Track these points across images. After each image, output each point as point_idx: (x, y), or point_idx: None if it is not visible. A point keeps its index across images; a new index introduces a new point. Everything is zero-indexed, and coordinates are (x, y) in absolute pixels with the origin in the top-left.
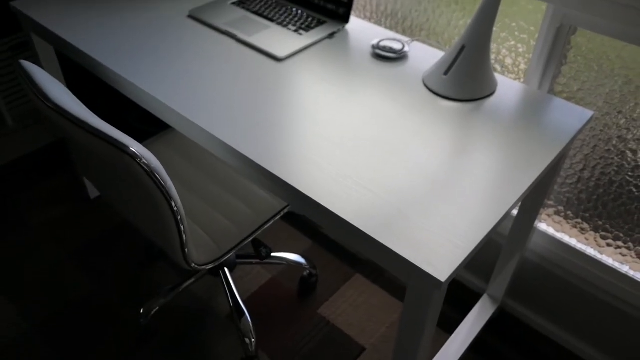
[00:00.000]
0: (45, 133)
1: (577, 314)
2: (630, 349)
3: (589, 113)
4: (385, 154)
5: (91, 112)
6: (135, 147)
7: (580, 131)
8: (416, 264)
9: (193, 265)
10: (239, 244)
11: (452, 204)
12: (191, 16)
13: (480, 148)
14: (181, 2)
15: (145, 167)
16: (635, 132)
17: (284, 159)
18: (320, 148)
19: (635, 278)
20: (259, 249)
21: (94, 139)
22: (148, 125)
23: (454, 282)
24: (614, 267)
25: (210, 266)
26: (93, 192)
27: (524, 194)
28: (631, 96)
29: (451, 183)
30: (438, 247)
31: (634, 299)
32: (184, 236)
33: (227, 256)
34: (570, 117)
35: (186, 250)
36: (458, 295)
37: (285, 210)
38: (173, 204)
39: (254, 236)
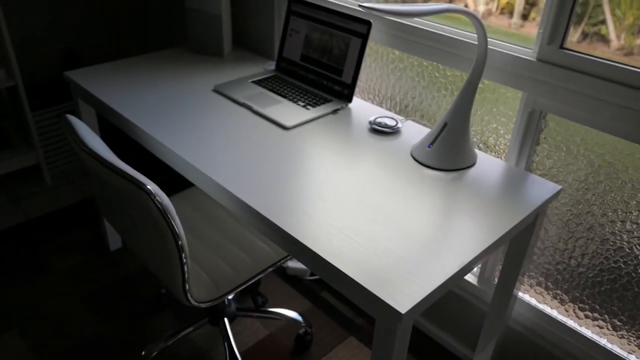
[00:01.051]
0: (76, 192)
1: None
2: None
3: (557, 187)
4: (371, 211)
5: (118, 159)
6: (151, 186)
7: (547, 202)
8: (380, 297)
9: (192, 301)
10: (236, 287)
11: (421, 252)
12: (215, 90)
13: (454, 209)
14: (208, 79)
15: (158, 204)
16: (602, 207)
17: (284, 211)
18: (316, 203)
19: (613, 351)
20: (255, 298)
21: (118, 177)
22: (168, 188)
23: (441, 348)
24: (592, 339)
25: (208, 304)
26: (114, 244)
27: (486, 249)
28: (595, 175)
29: (423, 236)
30: (403, 287)
31: None
32: (186, 273)
33: (225, 297)
34: (539, 190)
35: (187, 286)
36: None
37: (282, 262)
38: (179, 241)
39: (250, 282)
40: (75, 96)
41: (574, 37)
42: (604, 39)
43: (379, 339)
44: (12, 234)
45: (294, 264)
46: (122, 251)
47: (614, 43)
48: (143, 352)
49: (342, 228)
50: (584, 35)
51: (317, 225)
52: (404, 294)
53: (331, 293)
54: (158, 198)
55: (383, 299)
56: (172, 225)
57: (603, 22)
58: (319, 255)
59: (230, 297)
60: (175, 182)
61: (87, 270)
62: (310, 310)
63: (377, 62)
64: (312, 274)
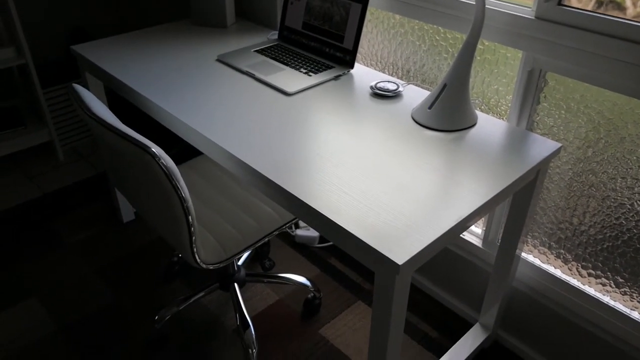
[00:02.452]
0: (89, 167)
1: (563, 344)
2: None
3: (557, 145)
4: (371, 171)
5: (123, 124)
6: (155, 148)
7: (548, 159)
8: (379, 249)
9: (200, 263)
10: (243, 249)
11: (420, 208)
12: (219, 60)
13: (454, 168)
14: (212, 49)
15: (163, 166)
16: (603, 164)
17: (287, 172)
18: (318, 165)
19: (615, 308)
20: (263, 261)
21: (123, 141)
22: (177, 161)
23: (447, 310)
24: (596, 297)
25: (216, 266)
26: (126, 216)
27: (484, 204)
28: (595, 132)
29: (422, 193)
30: (401, 240)
31: (616, 329)
32: (193, 235)
33: (232, 259)
34: (540, 148)
35: (194, 248)
36: (451, 324)
37: (286, 226)
38: (184, 203)
39: (257, 244)
40: (83, 70)
41: (588, 5)
42: (620, 7)
43: (378, 292)
44: (28, 208)
45: (302, 232)
46: (135, 223)
47: (630, 10)
48: (156, 317)
49: (343, 187)
50: (599, 4)
51: (319, 185)
52: (401, 247)
53: (339, 259)
54: (162, 160)
55: (381, 251)
56: (178, 188)
57: None
58: (320, 213)
59: (240, 262)
60: (185, 155)
61: (101, 242)
62: (319, 276)
63: (378, 27)
64: (320, 242)
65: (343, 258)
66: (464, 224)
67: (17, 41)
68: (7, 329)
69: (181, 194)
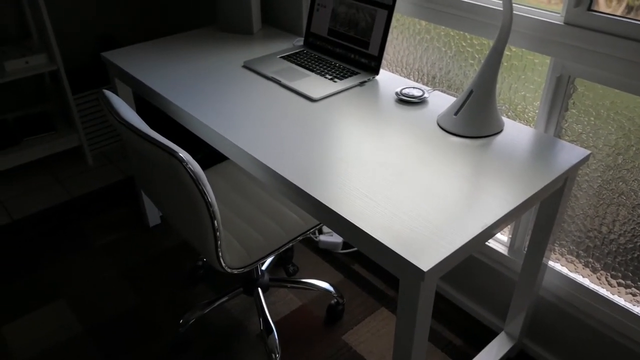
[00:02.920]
0: (117, 172)
1: (591, 355)
2: None
3: (586, 152)
4: (396, 177)
5: (151, 129)
6: (182, 153)
7: (576, 166)
8: (404, 256)
9: (225, 267)
10: (267, 254)
11: (445, 215)
12: (245, 66)
13: (480, 174)
14: (238, 56)
15: (190, 171)
16: (633, 172)
17: (313, 178)
18: (344, 170)
19: None
20: (287, 267)
21: (151, 146)
22: (204, 166)
23: (472, 319)
24: (626, 307)
25: (241, 270)
26: (152, 221)
27: (511, 212)
28: (626, 139)
29: (448, 199)
30: (426, 247)
31: None
32: (218, 239)
33: (257, 264)
34: (568, 155)
35: (219, 252)
36: (476, 332)
37: (311, 231)
38: (210, 207)
39: (281, 250)
40: (112, 76)
41: (618, 10)
42: None
43: (403, 299)
44: (57, 212)
45: (325, 238)
46: (161, 227)
47: None
48: (181, 320)
49: (368, 193)
50: (629, 9)
51: (344, 191)
52: (427, 253)
53: (362, 266)
54: (190, 165)
55: (407, 258)
56: (204, 192)
57: None
58: (345, 219)
59: (263, 267)
60: (210, 160)
61: (127, 245)
62: (342, 282)
63: (403, 34)
64: (343, 247)
65: (367, 264)
66: (489, 232)
67: (49, 47)
68: (35, 330)
69: (207, 198)
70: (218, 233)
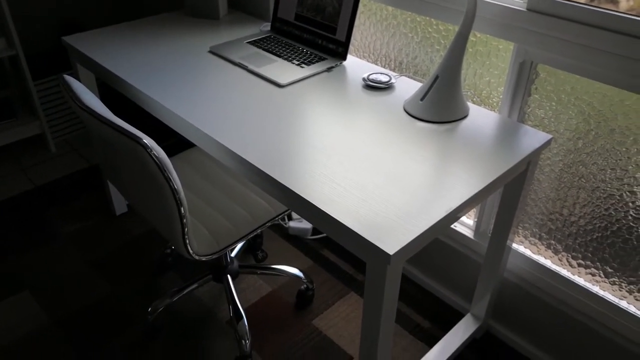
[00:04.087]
0: (81, 160)
1: (553, 333)
2: None
3: (548, 136)
4: (363, 162)
5: (114, 115)
6: (147, 140)
7: (538, 150)
8: (370, 240)
9: (193, 254)
10: (236, 241)
11: (411, 199)
12: (211, 51)
13: (445, 159)
14: (204, 41)
15: (154, 157)
16: (592, 155)
17: (280, 164)
18: (310, 156)
19: (605, 297)
20: (255, 253)
21: (115, 132)
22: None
23: (439, 301)
24: (585, 287)
25: (209, 257)
26: (119, 209)
27: (475, 195)
28: (585, 123)
29: (414, 184)
30: (392, 231)
31: (605, 318)
32: (185, 226)
33: (225, 250)
34: (531, 139)
35: (187, 239)
36: (443, 314)
37: (279, 217)
38: (176, 194)
39: (249, 236)
40: (74, 61)
41: None
42: (613, 1)
43: (370, 282)
44: (20, 201)
45: (295, 224)
46: (127, 215)
47: (623, 4)
48: (149, 309)
49: (335, 178)
50: None
51: (311, 177)
52: (392, 237)
53: (332, 251)
54: (154, 152)
55: (373, 242)
56: (169, 179)
57: None
58: (312, 204)
59: (233, 254)
60: (178, 147)
61: (94, 234)
62: (312, 267)
63: (370, 19)
64: (313, 233)
65: (336, 249)
66: (454, 215)
67: (7, 31)
68: (1, 319)
69: (173, 185)
70: (185, 220)
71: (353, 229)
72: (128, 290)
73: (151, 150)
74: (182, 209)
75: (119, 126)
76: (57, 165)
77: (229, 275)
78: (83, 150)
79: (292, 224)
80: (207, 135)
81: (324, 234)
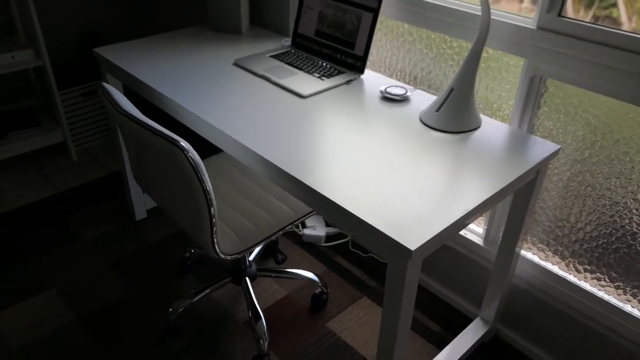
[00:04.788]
0: (101, 168)
1: (560, 337)
2: None
3: (556, 146)
4: (383, 167)
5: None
6: (184, 142)
7: (547, 159)
8: (392, 237)
9: (220, 253)
10: (259, 242)
11: (429, 202)
12: (236, 64)
13: (459, 166)
14: (228, 54)
15: (191, 160)
16: (598, 165)
17: (304, 167)
18: (333, 161)
19: (610, 301)
20: (276, 255)
21: (154, 135)
22: None
23: (449, 307)
24: (591, 292)
25: (234, 257)
26: (139, 215)
27: (489, 199)
28: (592, 134)
29: (431, 187)
30: (412, 229)
31: (610, 322)
32: (214, 226)
33: (249, 250)
34: (540, 149)
35: (215, 239)
36: (453, 320)
37: (299, 220)
38: (208, 195)
39: (271, 238)
40: (104, 71)
41: (586, 17)
42: (616, 22)
43: (390, 279)
44: (43, 205)
45: (309, 231)
46: (147, 221)
47: (625, 26)
48: (170, 309)
49: (357, 181)
50: (595, 19)
51: (335, 180)
52: (413, 235)
53: (345, 258)
54: (190, 154)
55: (395, 238)
56: (203, 180)
57: (614, 5)
58: (337, 204)
59: (251, 257)
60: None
61: (115, 238)
62: (326, 273)
63: (387, 36)
64: (326, 241)
65: (348, 256)
66: (469, 217)
67: (36, 42)
68: (27, 319)
69: (206, 186)
70: (214, 220)
71: (377, 227)
72: (148, 291)
73: (188, 152)
74: (212, 209)
75: (157, 130)
76: (78, 172)
77: (247, 278)
78: (102, 158)
79: (306, 231)
80: (237, 141)
81: (337, 242)
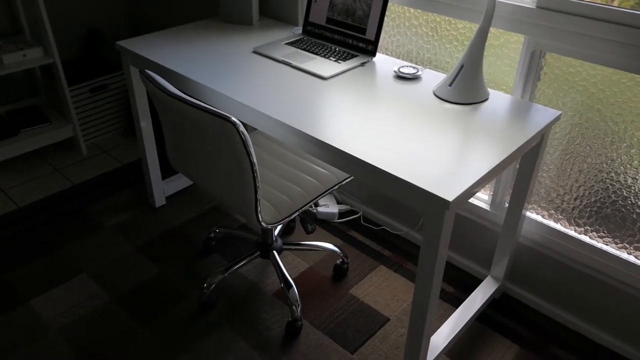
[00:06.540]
0: (112, 161)
1: (564, 288)
2: (615, 319)
3: (557, 112)
4: (407, 135)
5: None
6: (234, 119)
7: (550, 124)
8: (431, 190)
9: (262, 222)
10: (294, 212)
11: (454, 163)
12: (255, 52)
13: (474, 132)
14: (244, 43)
15: (241, 134)
16: (595, 128)
17: (340, 138)
18: (362, 131)
19: (608, 251)
20: (306, 225)
21: (206, 114)
22: None
23: (461, 271)
24: (591, 244)
25: (273, 226)
26: (159, 201)
27: (505, 159)
28: (589, 100)
29: (452, 151)
30: (445, 184)
31: (609, 269)
32: (258, 196)
33: (287, 219)
34: (543, 115)
35: (258, 208)
36: (464, 280)
37: (327, 193)
38: (254, 167)
39: (304, 208)
40: (127, 63)
41: None
42: None
43: (428, 230)
44: (60, 198)
45: (323, 209)
46: (167, 207)
47: (616, 2)
48: (204, 284)
49: (386, 147)
50: None
51: (366, 146)
52: (448, 188)
53: (358, 232)
54: (242, 129)
55: (433, 192)
56: (250, 153)
57: None
58: (375, 166)
59: (276, 232)
60: None
61: (137, 224)
62: (343, 246)
63: (394, 21)
64: (339, 217)
65: (362, 231)
66: (491, 174)
67: (46, 40)
68: (64, 302)
69: (252, 159)
70: (258, 191)
71: (415, 183)
72: (177, 270)
73: (239, 127)
74: (256, 181)
75: (210, 109)
76: (90, 165)
77: (275, 251)
78: (113, 151)
79: (319, 209)
80: (270, 117)
81: (349, 217)
